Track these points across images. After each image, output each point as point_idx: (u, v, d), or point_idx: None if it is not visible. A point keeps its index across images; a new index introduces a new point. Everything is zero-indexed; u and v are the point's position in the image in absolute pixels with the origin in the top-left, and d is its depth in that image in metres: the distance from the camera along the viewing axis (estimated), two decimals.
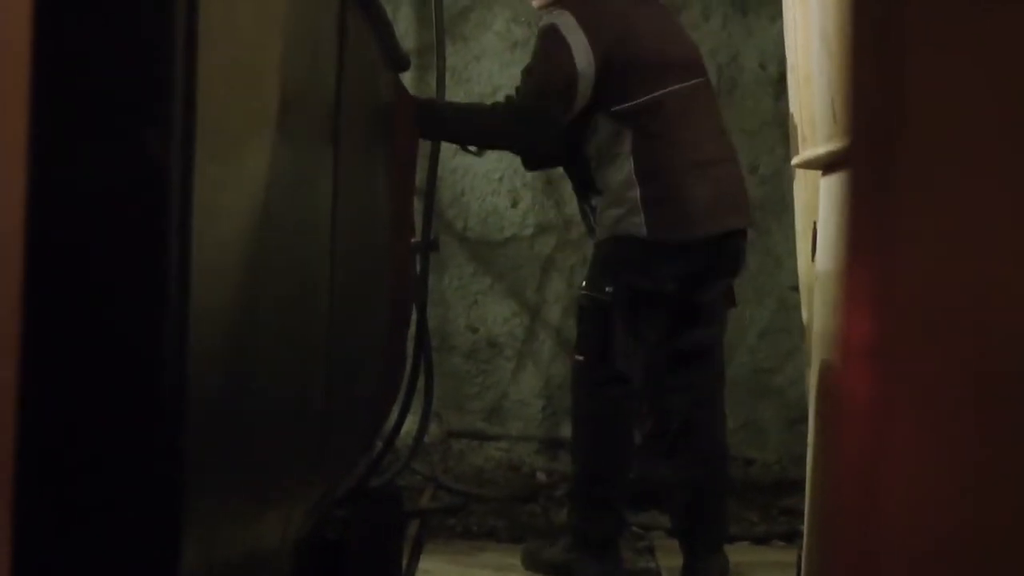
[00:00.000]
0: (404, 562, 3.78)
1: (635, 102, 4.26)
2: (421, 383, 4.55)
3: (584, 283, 4.36)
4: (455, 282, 5.93)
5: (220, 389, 1.50)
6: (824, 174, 2.78)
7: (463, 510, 5.10)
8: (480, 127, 4.43)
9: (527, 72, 4.34)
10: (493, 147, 4.70)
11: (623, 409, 4.28)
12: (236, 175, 1.57)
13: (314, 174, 2.17)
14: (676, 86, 4.31)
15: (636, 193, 4.23)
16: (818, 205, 2.89)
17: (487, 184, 5.95)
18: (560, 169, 4.73)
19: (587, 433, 4.32)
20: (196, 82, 1.34)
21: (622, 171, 4.27)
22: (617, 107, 4.26)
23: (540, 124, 4.27)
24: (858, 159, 0.82)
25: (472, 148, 4.70)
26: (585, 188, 4.42)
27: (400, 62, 3.35)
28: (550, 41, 4.26)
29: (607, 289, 4.22)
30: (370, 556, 3.01)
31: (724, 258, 4.35)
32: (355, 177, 2.62)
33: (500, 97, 5.97)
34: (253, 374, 1.69)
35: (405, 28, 5.80)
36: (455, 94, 5.73)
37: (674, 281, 4.25)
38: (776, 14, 4.22)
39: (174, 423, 1.31)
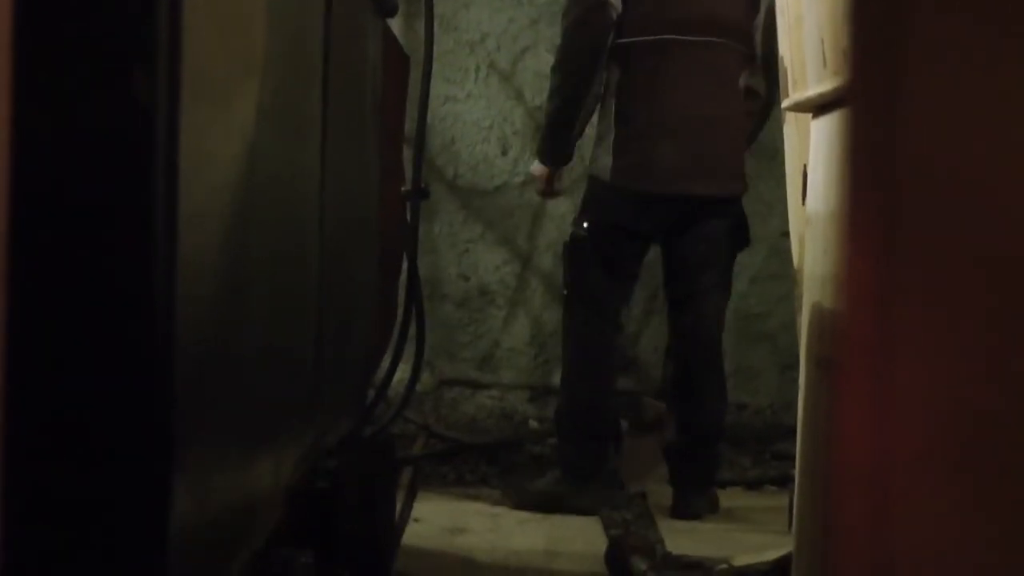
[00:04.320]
0: (398, 509, 3.79)
1: (629, 40, 4.24)
2: (413, 331, 4.55)
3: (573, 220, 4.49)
4: (446, 230, 5.92)
5: (209, 335, 1.49)
6: (815, 116, 2.76)
7: (456, 457, 5.11)
8: (556, 94, 4.41)
9: (565, 13, 4.35)
10: (576, 97, 4.42)
11: (600, 339, 4.37)
12: (223, 119, 1.56)
13: (302, 120, 2.15)
14: (679, 36, 4.27)
15: (612, 136, 4.26)
16: (808, 148, 2.88)
17: (477, 132, 5.92)
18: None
19: (569, 364, 4.42)
20: (182, 24, 1.32)
21: (608, 110, 4.29)
22: (617, 41, 4.25)
23: (588, 55, 4.27)
24: (859, 95, 0.81)
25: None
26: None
27: (387, 7, 3.33)
28: None
29: (584, 224, 4.32)
30: (363, 504, 3.01)
31: (704, 219, 4.37)
32: (344, 124, 2.60)
33: (489, 44, 5.96)
34: (243, 321, 1.68)
35: None
36: (444, 42, 5.70)
37: (641, 226, 4.31)
38: None
39: (164, 368, 1.30)
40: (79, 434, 1.29)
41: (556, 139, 4.44)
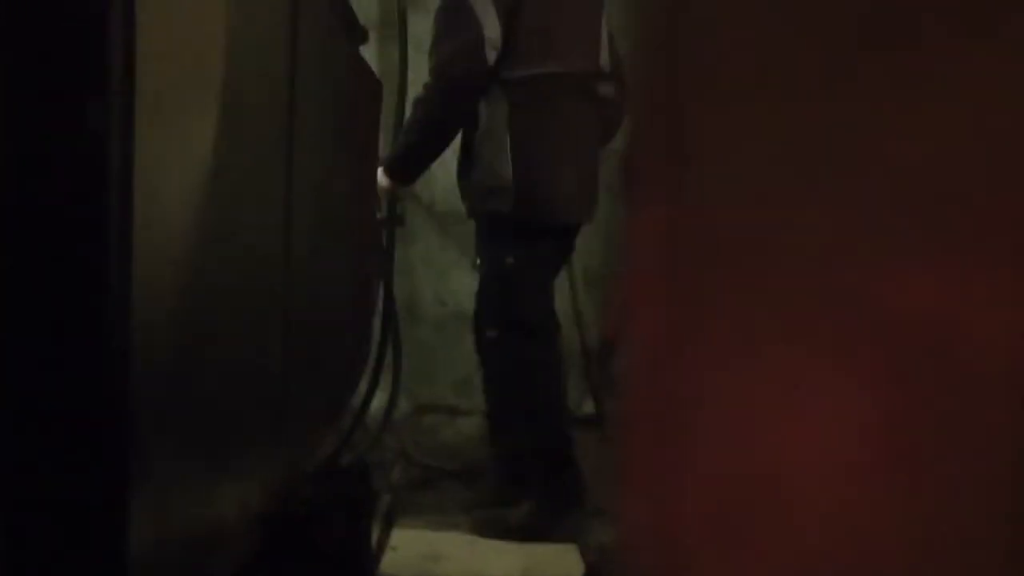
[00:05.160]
0: (375, 538, 3.77)
1: (518, 73, 4.20)
2: (389, 357, 4.55)
3: (479, 260, 4.38)
4: (422, 254, 5.91)
5: (167, 358, 1.48)
6: None
7: (434, 484, 5.09)
8: (419, 129, 4.33)
9: (435, 45, 4.25)
10: (442, 135, 4.43)
11: (556, 368, 4.34)
12: (180, 145, 1.55)
13: (267, 148, 2.14)
14: (566, 69, 4.25)
15: (509, 170, 4.21)
16: None
17: (454, 156, 5.91)
18: None
19: (533, 400, 4.32)
20: (135, 47, 1.32)
21: (500, 143, 4.24)
22: (503, 75, 4.20)
23: (461, 94, 4.21)
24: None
25: None
26: (469, 158, 4.38)
27: (357, 35, 3.33)
28: (453, 9, 4.18)
29: (509, 260, 4.25)
30: (339, 532, 2.99)
31: (569, 246, 4.46)
32: (314, 151, 2.60)
33: None
34: (203, 344, 1.67)
35: (367, 0, 5.76)
36: (419, 64, 5.68)
37: (549, 255, 4.31)
38: None
39: (120, 390, 1.29)
40: (32, 459, 1.27)
41: (413, 166, 4.41)
